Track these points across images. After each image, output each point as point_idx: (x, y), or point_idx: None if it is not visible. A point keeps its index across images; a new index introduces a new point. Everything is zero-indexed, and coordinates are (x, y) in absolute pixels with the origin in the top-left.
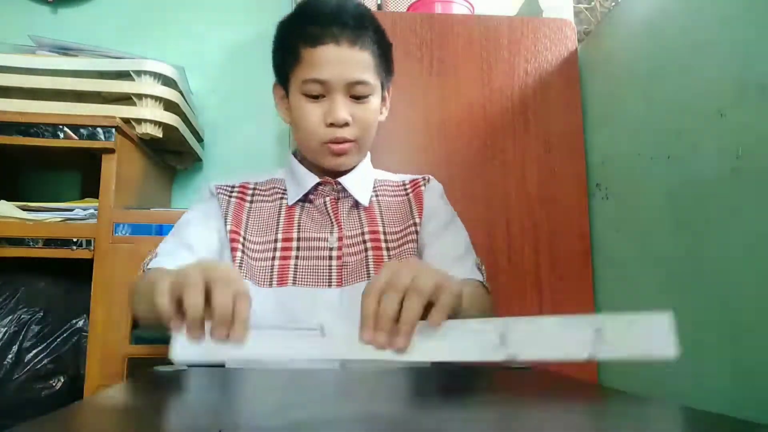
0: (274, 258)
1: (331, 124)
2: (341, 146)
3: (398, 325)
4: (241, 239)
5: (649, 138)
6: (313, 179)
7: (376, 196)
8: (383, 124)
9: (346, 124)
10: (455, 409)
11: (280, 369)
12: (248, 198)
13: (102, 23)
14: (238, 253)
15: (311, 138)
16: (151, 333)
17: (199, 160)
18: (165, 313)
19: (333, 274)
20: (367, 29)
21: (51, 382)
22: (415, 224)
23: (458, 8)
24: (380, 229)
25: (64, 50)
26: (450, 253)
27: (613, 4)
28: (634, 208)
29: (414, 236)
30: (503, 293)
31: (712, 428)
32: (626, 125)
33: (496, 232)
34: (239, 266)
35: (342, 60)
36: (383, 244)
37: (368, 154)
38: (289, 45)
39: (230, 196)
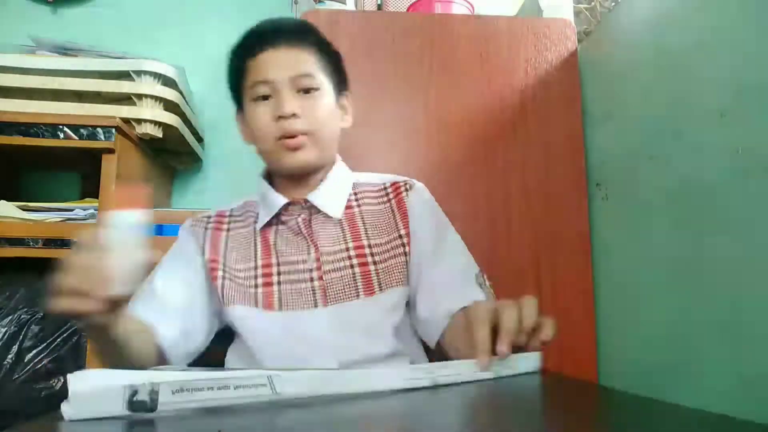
0: (257, 285)
1: (280, 117)
2: (294, 140)
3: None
4: (221, 266)
5: (649, 138)
6: (281, 200)
7: (358, 205)
8: (384, 124)
9: (295, 116)
10: (454, 407)
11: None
12: (225, 227)
13: (102, 23)
14: (220, 281)
15: (265, 138)
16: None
17: (199, 160)
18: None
19: (317, 294)
20: (306, 34)
21: (51, 382)
22: (400, 236)
23: (458, 8)
24: (365, 242)
25: (64, 50)
26: (450, 281)
27: (613, 4)
28: (634, 208)
29: (402, 249)
30: (503, 293)
31: (713, 429)
32: (626, 125)
33: (496, 232)
34: (222, 291)
35: (283, 59)
36: (369, 258)
37: (338, 161)
38: (235, 63)
39: (206, 227)
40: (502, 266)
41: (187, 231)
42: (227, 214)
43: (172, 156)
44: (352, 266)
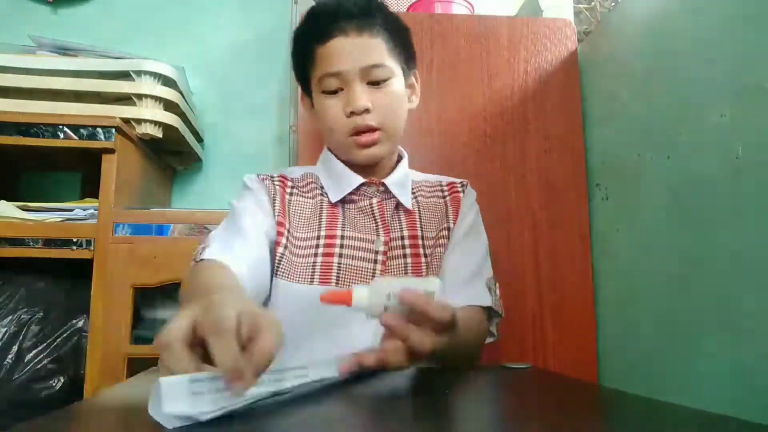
0: (317, 255)
1: (352, 113)
2: (368, 136)
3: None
4: (286, 232)
5: (649, 138)
6: (357, 179)
7: (415, 198)
8: None
9: (367, 111)
10: (453, 407)
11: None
12: (288, 191)
13: (102, 23)
14: (281, 248)
15: (336, 133)
16: None
17: (199, 160)
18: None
19: (377, 276)
20: (374, 16)
21: (51, 382)
22: (448, 228)
23: (458, 8)
24: (419, 233)
25: (64, 50)
26: (461, 272)
27: (613, 4)
28: (634, 208)
29: (446, 240)
30: (503, 293)
31: (712, 428)
32: (626, 125)
33: (496, 232)
34: (279, 262)
35: (352, 48)
36: (421, 250)
37: (405, 155)
38: (303, 49)
39: (274, 184)
40: (502, 266)
41: (258, 182)
42: (289, 179)
43: (172, 156)
44: (405, 256)
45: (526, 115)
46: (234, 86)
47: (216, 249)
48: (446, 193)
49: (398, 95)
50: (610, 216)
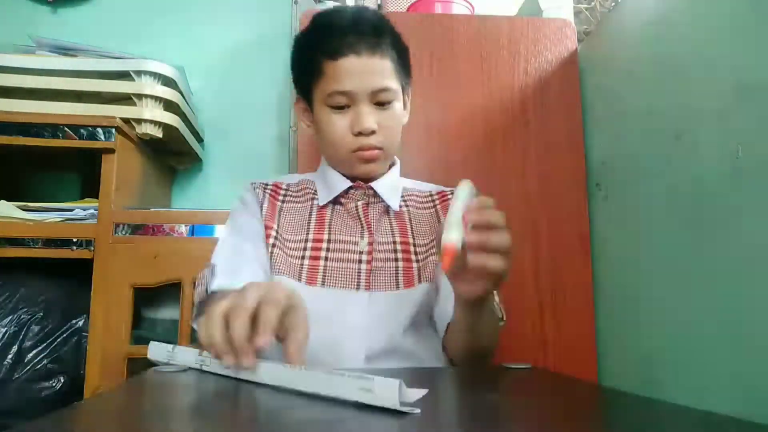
0: (304, 257)
1: (359, 133)
2: (370, 153)
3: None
4: (274, 233)
5: (649, 138)
6: (344, 183)
7: (406, 205)
8: None
9: (373, 132)
10: (453, 407)
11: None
12: (280, 198)
13: (102, 23)
14: (271, 248)
15: (339, 148)
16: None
17: (199, 160)
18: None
19: (362, 278)
20: (385, 36)
21: (51, 382)
22: None
23: (458, 8)
24: (410, 240)
25: (64, 50)
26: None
27: (613, 4)
28: (634, 208)
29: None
30: (503, 293)
31: (712, 429)
32: (626, 125)
33: None
34: (271, 259)
35: (364, 70)
36: (413, 256)
37: (398, 162)
38: (310, 59)
39: (264, 191)
40: None
41: (251, 192)
42: (284, 186)
43: (172, 156)
44: (396, 260)
45: (526, 115)
46: (234, 86)
47: (224, 279)
48: (437, 202)
49: (399, 116)
50: (610, 216)
